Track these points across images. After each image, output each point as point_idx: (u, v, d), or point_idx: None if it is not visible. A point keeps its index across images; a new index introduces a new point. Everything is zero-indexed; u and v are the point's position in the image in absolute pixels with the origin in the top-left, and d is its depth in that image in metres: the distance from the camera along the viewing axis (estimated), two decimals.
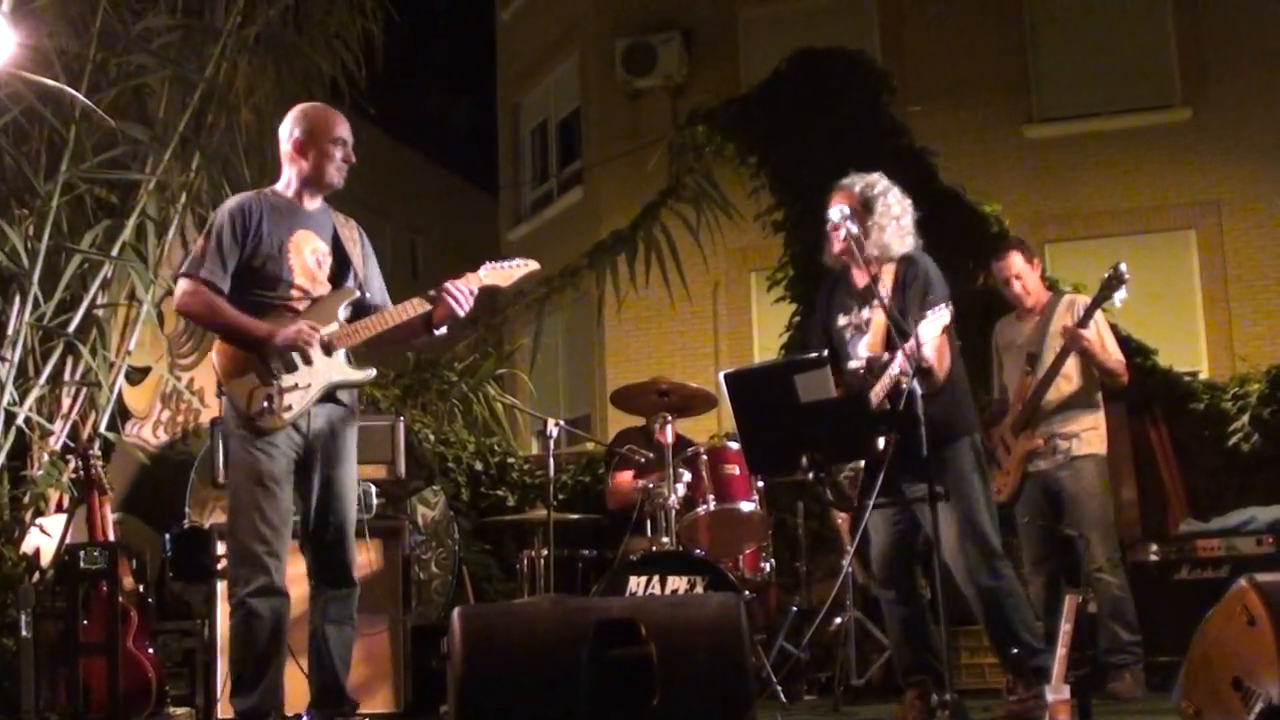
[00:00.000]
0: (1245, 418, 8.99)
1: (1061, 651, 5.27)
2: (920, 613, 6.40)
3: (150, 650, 7.23)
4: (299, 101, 9.40)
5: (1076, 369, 7.61)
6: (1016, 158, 17.50)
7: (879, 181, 6.45)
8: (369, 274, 6.00)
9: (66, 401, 8.90)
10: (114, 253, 8.66)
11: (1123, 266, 7.47)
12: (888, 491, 5.98)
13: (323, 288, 5.84)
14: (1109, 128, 17.57)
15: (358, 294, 5.88)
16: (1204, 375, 10.87)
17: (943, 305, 5.83)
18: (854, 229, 6.00)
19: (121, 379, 9.06)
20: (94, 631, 6.94)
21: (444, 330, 5.96)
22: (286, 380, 5.63)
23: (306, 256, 5.82)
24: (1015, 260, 7.80)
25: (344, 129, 5.94)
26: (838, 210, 6.06)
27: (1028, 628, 6.19)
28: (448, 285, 5.83)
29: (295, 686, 6.43)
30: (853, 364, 6.22)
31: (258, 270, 5.74)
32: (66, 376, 8.82)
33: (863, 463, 6.13)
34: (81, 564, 6.97)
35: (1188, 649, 5.10)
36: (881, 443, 5.87)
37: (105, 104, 8.57)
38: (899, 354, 5.91)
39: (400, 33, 10.07)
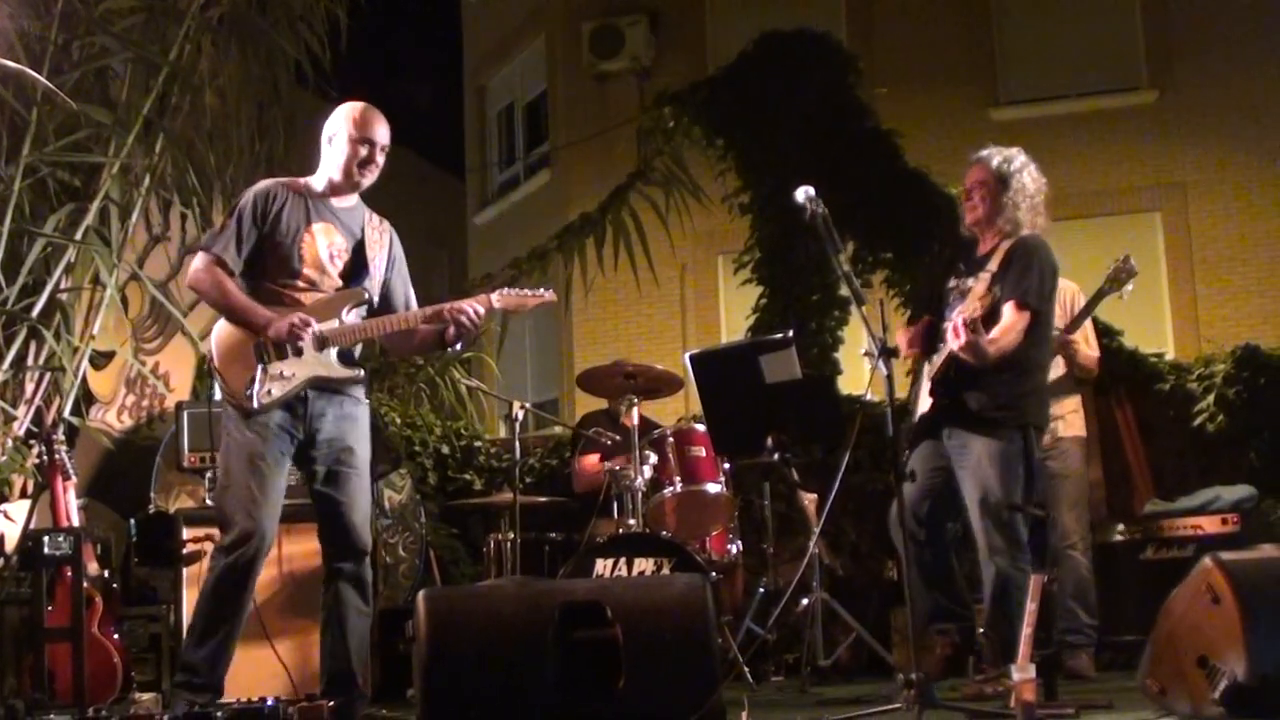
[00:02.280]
0: (1210, 398, 9.01)
1: (1027, 631, 5.28)
2: (943, 561, 6.44)
3: (115, 636, 7.20)
4: (263, 83, 9.42)
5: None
6: (982, 140, 17.28)
7: (1016, 157, 6.58)
8: (392, 279, 6.06)
9: (30, 386, 8.84)
10: (77, 236, 8.61)
11: (1132, 261, 7.54)
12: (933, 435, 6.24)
13: (332, 281, 5.89)
14: (1075, 110, 17.61)
15: (365, 298, 5.93)
16: (1169, 356, 10.88)
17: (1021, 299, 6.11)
18: (820, 210, 5.99)
19: (86, 363, 9.00)
20: (59, 617, 6.89)
21: (459, 346, 6.06)
22: (274, 367, 5.69)
23: (321, 248, 5.87)
24: None
25: (377, 131, 5.98)
26: (803, 191, 6.04)
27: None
28: (458, 306, 5.88)
29: (263, 669, 6.56)
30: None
31: (270, 254, 5.82)
32: (30, 361, 8.76)
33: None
34: (46, 549, 6.92)
35: (1153, 628, 5.12)
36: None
37: (68, 87, 8.51)
38: (954, 330, 6.04)
39: (365, 15, 10.03)
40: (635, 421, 7.71)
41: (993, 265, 6.36)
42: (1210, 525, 7.93)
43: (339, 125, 5.98)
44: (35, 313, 8.59)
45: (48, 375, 8.84)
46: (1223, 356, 9.23)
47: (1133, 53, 17.67)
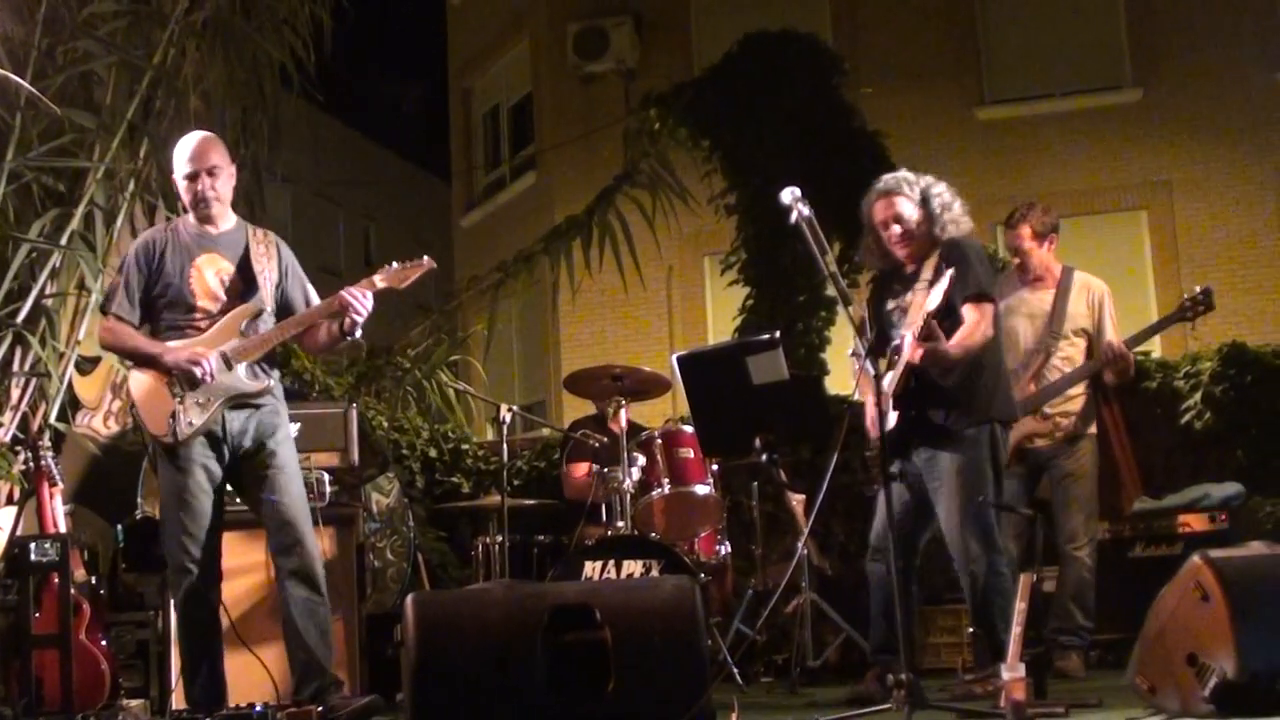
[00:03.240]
0: (1197, 396, 9.04)
1: (1017, 630, 5.28)
2: (905, 589, 6.42)
3: (103, 642, 7.17)
4: (248, 87, 9.40)
5: (1081, 353, 7.63)
6: (968, 140, 17.57)
7: (922, 177, 6.54)
8: (288, 286, 6.33)
9: (15, 392, 8.81)
10: (62, 242, 8.59)
11: (1213, 296, 7.59)
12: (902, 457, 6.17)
13: (227, 305, 6.18)
14: (1060, 109, 17.68)
15: (260, 308, 6.19)
16: (1156, 354, 10.89)
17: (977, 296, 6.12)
18: (805, 211, 5.99)
19: (71, 369, 8.98)
20: (46, 624, 6.86)
21: (357, 333, 6.26)
22: (189, 398, 6.01)
23: (209, 279, 6.19)
24: (1024, 233, 7.79)
25: (190, 162, 6.27)
26: (789, 193, 6.04)
27: (1009, 626, 6.25)
28: (343, 296, 6.10)
29: (250, 675, 6.56)
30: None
31: (163, 296, 6.19)
32: (15, 367, 8.73)
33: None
34: (32, 556, 6.90)
35: (1142, 626, 5.12)
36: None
37: (51, 91, 8.49)
38: (907, 339, 6.05)
39: (350, 18, 10.01)
40: (623, 424, 7.71)
41: (926, 274, 6.34)
42: (1199, 523, 7.95)
43: (175, 163, 6.35)
44: (20, 318, 8.56)
45: (33, 381, 8.81)
46: (1209, 354, 9.25)
47: (1117, 52, 17.73)
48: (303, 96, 10.01)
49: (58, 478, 7.48)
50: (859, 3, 18.44)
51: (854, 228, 10.11)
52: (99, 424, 9.52)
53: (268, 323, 6.21)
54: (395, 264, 6.31)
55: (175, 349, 6.04)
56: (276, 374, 6.32)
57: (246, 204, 9.46)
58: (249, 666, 6.62)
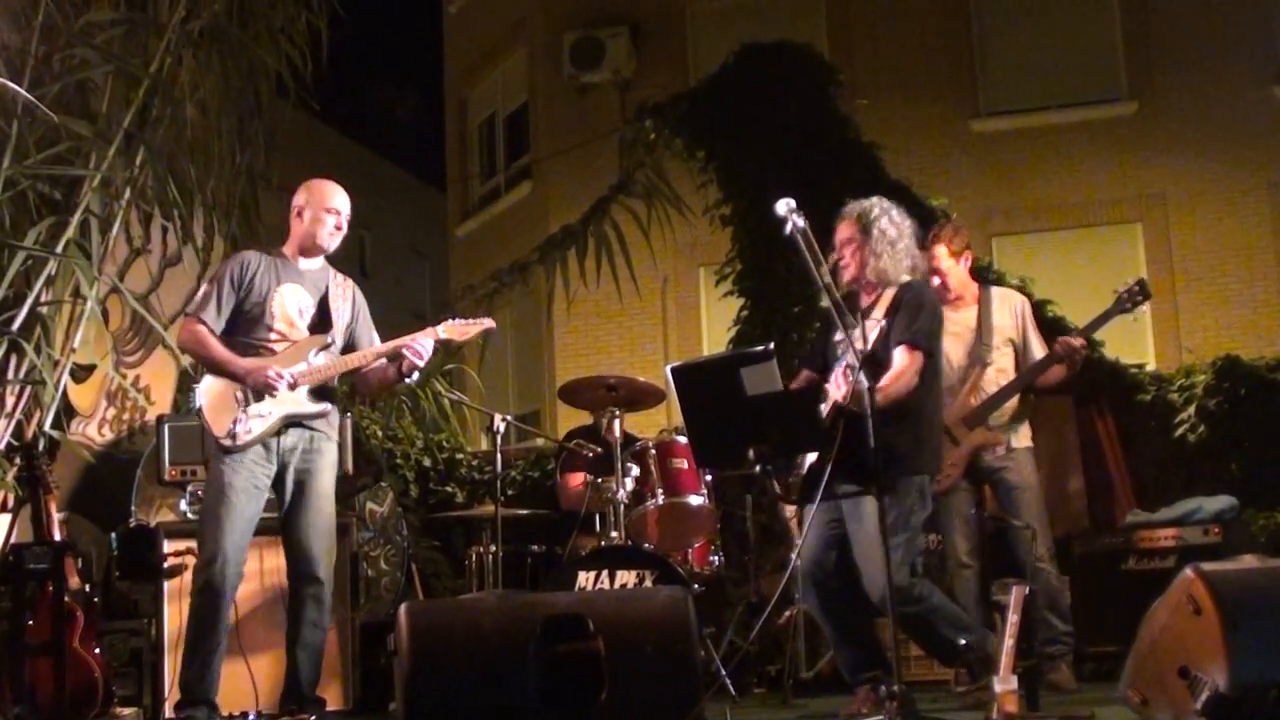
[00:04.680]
0: (1191, 409, 9.05)
1: (1009, 643, 5.29)
2: (856, 609, 6.39)
3: (97, 650, 7.17)
4: (244, 96, 9.41)
5: (1011, 362, 7.64)
6: (964, 151, 17.58)
7: (874, 207, 6.47)
8: (356, 328, 6.83)
9: (10, 400, 8.80)
10: (58, 249, 8.58)
11: (1148, 285, 7.59)
12: (826, 493, 6.03)
13: (300, 333, 6.63)
14: (1056, 121, 17.68)
15: (329, 341, 6.65)
16: (1151, 367, 10.92)
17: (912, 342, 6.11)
18: (800, 222, 5.99)
19: (66, 377, 8.97)
20: (40, 631, 6.88)
21: (415, 376, 6.84)
22: (253, 409, 6.45)
23: (290, 307, 6.64)
24: (939, 253, 7.76)
25: (338, 200, 6.81)
26: (784, 204, 6.05)
27: (961, 628, 6.25)
28: (405, 340, 6.61)
29: (245, 683, 6.80)
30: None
31: (247, 314, 6.61)
32: (10, 374, 8.73)
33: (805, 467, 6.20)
34: (27, 563, 6.93)
35: (1135, 639, 5.13)
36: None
37: (48, 99, 8.49)
38: (837, 379, 6.08)
39: (346, 27, 10.02)
40: (617, 434, 7.72)
41: (878, 314, 6.34)
42: (1192, 536, 7.94)
43: (304, 198, 6.82)
44: (16, 326, 8.55)
45: (28, 389, 8.80)
46: (1203, 367, 9.27)
47: (1113, 64, 17.74)
48: (299, 105, 10.02)
49: (52, 485, 7.49)
50: (855, 15, 18.46)
51: None
52: (94, 432, 9.53)
53: (334, 355, 6.65)
54: (459, 320, 6.86)
55: (251, 363, 6.48)
56: (335, 409, 6.74)
57: (242, 211, 9.49)
58: (244, 674, 6.69)
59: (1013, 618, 5.31)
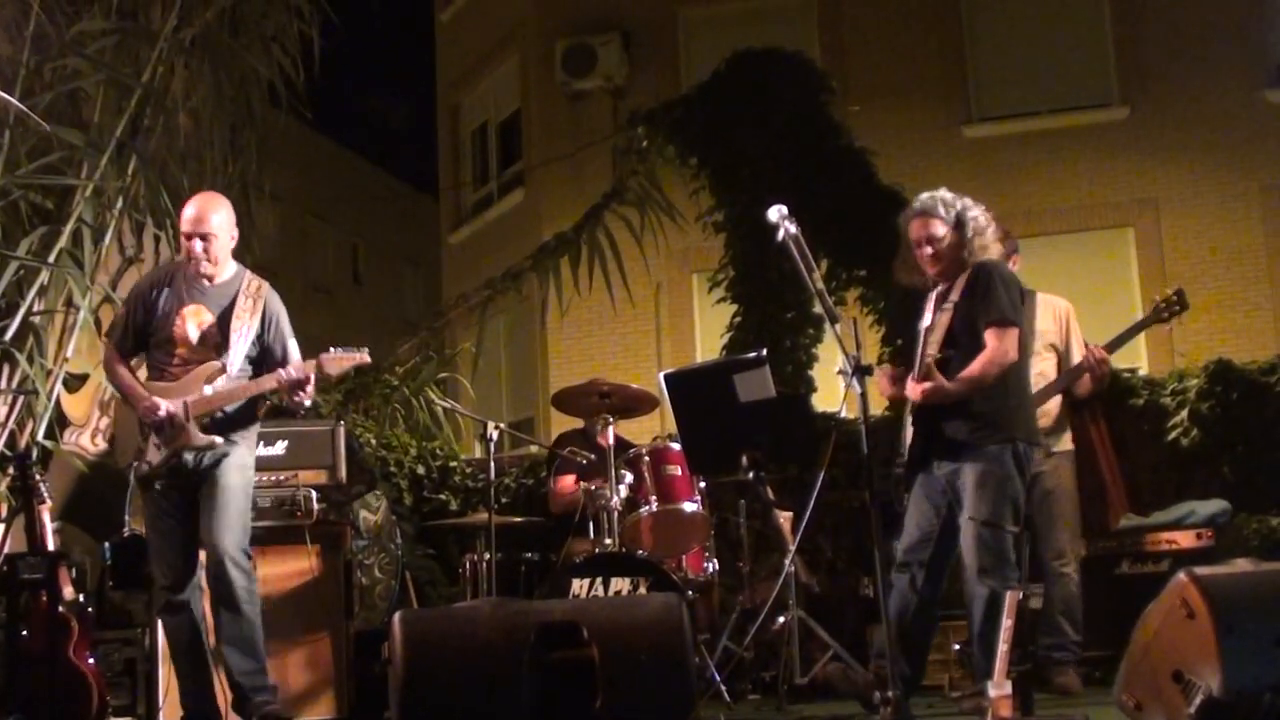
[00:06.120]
0: (1184, 413, 9.05)
1: (1003, 648, 5.29)
2: (927, 623, 6.44)
3: (91, 660, 7.15)
4: (236, 104, 9.42)
5: (1053, 367, 7.67)
6: (955, 157, 17.59)
7: (955, 200, 6.53)
8: (269, 339, 6.67)
9: (3, 410, 8.81)
10: (50, 259, 8.59)
11: (1186, 296, 7.63)
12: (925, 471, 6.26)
13: (203, 353, 6.56)
14: (1047, 126, 17.70)
15: (223, 368, 6.52)
16: (1143, 371, 10.91)
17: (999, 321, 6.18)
18: (792, 229, 6.01)
19: (59, 386, 8.98)
20: (34, 642, 6.87)
21: (305, 406, 6.71)
22: (152, 439, 6.47)
23: (190, 328, 6.58)
24: None
25: (188, 221, 6.61)
26: (776, 211, 6.06)
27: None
28: (282, 379, 6.47)
29: None
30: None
31: (152, 335, 6.63)
32: (3, 384, 8.74)
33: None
34: (21, 574, 6.92)
35: (1128, 643, 5.13)
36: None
37: (40, 109, 8.50)
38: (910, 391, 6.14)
39: (338, 35, 10.03)
40: (610, 441, 7.72)
41: (954, 296, 6.40)
42: (1185, 540, 7.94)
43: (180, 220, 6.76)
44: (8, 336, 8.57)
45: (21, 398, 8.80)
46: (1196, 371, 9.26)
47: (1104, 69, 17.77)
48: (291, 114, 10.03)
49: (45, 495, 7.48)
50: (847, 21, 18.47)
51: (841, 244, 10.22)
52: (87, 441, 9.53)
53: (233, 380, 6.53)
54: (337, 350, 6.66)
55: (145, 398, 6.45)
56: (249, 429, 6.68)
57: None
58: None
59: (1007, 622, 5.31)
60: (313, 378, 6.50)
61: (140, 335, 6.65)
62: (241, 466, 6.60)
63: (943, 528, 6.36)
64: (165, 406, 6.40)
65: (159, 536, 6.51)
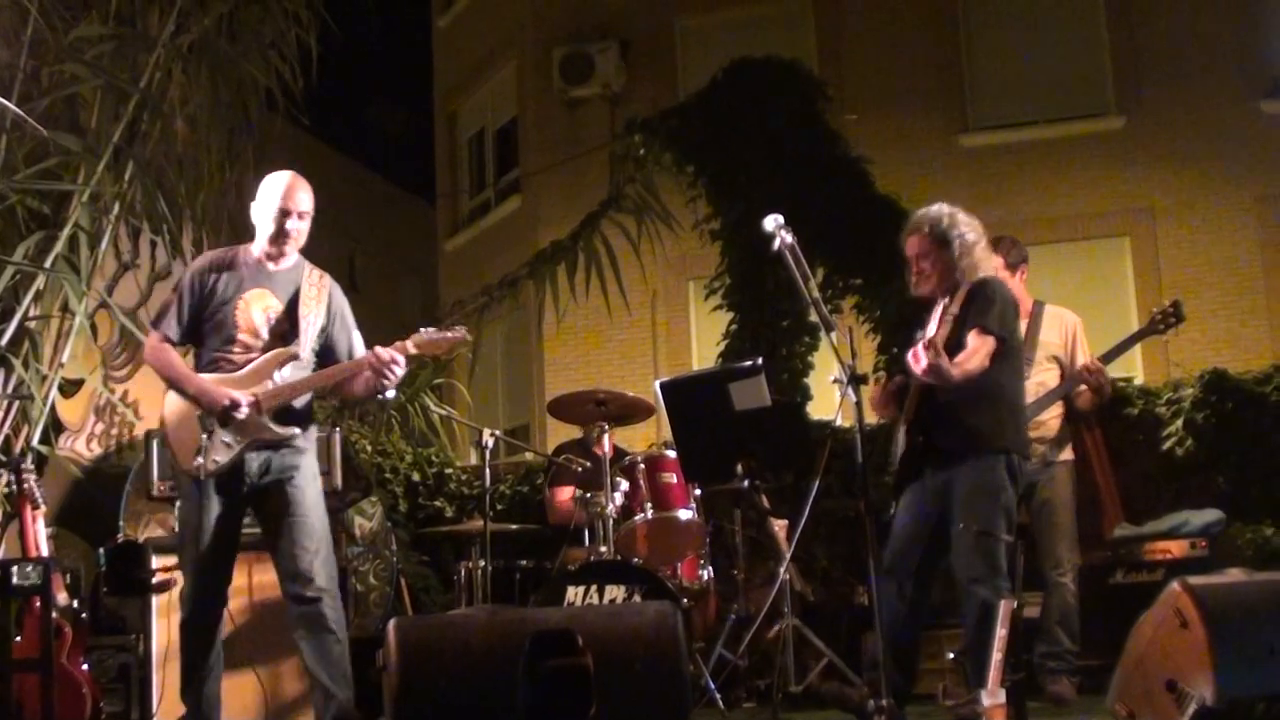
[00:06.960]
0: (1179, 422, 9.05)
1: (997, 656, 5.29)
2: (914, 630, 6.45)
3: (85, 666, 7.14)
4: (233, 110, 9.42)
5: (1056, 379, 7.69)
6: (952, 166, 17.60)
7: (944, 217, 6.58)
8: (333, 331, 6.30)
9: None
10: (47, 264, 8.58)
11: (1183, 308, 7.65)
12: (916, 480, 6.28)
13: (267, 343, 6.16)
14: (1043, 136, 17.72)
15: (296, 355, 6.15)
16: (1138, 381, 10.94)
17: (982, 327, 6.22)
18: (788, 238, 6.02)
19: (55, 391, 8.97)
20: (27, 648, 6.84)
21: (389, 395, 6.48)
22: (217, 435, 6.01)
23: (255, 314, 6.17)
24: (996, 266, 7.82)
25: (294, 200, 6.27)
26: (772, 220, 6.08)
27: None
28: (373, 359, 6.09)
29: (244, 698, 6.78)
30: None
31: (209, 322, 6.18)
32: None
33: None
34: (14, 579, 6.87)
35: (1122, 652, 5.14)
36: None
37: (37, 114, 8.49)
38: (914, 355, 6.11)
39: (336, 41, 10.03)
40: (607, 449, 7.72)
41: (954, 309, 6.43)
42: (1179, 549, 7.96)
43: (262, 197, 6.33)
44: (4, 340, 8.55)
45: (16, 403, 8.80)
46: (1191, 381, 9.27)
47: (1100, 79, 17.79)
48: (288, 120, 10.03)
49: (40, 501, 7.47)
50: (844, 30, 18.49)
51: (838, 253, 10.23)
52: (82, 447, 9.53)
53: (302, 369, 6.19)
54: (431, 330, 6.28)
55: (211, 389, 6.04)
56: (312, 429, 6.38)
57: (231, 227, 9.49)
58: (239, 686, 6.69)
59: (1000, 631, 5.32)
60: (402, 360, 6.09)
61: (194, 322, 6.20)
62: (316, 476, 6.29)
63: (931, 537, 6.37)
64: (238, 395, 5.99)
65: (200, 543, 6.06)
